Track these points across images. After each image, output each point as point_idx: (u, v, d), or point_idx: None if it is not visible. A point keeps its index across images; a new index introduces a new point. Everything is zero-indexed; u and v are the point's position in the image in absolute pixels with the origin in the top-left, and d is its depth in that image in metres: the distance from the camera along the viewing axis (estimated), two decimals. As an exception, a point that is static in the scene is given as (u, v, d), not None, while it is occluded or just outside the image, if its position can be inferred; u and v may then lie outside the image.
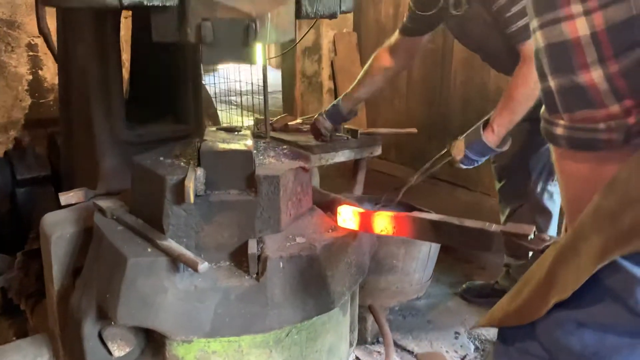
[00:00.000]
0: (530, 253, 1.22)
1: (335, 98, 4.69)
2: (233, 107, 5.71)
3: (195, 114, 1.91)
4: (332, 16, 1.46)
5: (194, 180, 1.22)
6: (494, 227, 1.25)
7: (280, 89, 5.18)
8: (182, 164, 1.33)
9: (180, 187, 1.22)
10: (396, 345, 2.13)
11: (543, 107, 0.88)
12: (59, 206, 2.51)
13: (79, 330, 1.29)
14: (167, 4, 1.18)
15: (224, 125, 1.52)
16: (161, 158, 1.37)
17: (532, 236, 1.20)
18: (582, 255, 0.72)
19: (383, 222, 1.39)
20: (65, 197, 1.63)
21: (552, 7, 0.77)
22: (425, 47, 2.55)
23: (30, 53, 3.27)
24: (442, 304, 2.42)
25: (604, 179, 0.83)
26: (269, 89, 3.50)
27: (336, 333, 1.45)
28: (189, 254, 1.15)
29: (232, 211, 1.27)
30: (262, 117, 3.09)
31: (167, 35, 1.24)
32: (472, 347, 2.14)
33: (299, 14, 1.39)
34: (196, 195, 1.23)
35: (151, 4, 1.17)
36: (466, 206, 3.66)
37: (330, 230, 1.41)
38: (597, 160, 0.84)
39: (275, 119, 2.97)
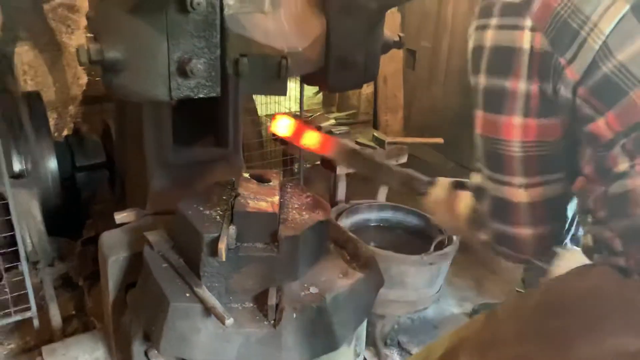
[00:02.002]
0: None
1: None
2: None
3: (235, 138, 2.11)
4: (357, 87, 1.62)
5: (227, 239, 1.45)
6: (393, 166, 1.47)
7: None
8: (217, 217, 1.55)
9: (215, 242, 1.46)
10: (401, 348, 2.39)
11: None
12: (112, 189, 2.80)
13: (129, 347, 1.58)
14: (211, 95, 1.37)
15: (256, 172, 1.73)
16: (200, 208, 1.60)
17: (427, 179, 1.37)
18: None
19: (311, 138, 1.54)
20: (120, 217, 1.89)
21: (500, 170, 0.97)
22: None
23: (88, 35, 3.48)
24: (450, 309, 2.65)
25: None
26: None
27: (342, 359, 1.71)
28: (219, 307, 1.40)
29: (257, 264, 1.50)
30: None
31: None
32: (470, 356, 2.38)
33: (326, 89, 1.56)
34: (228, 249, 1.47)
35: (197, 96, 1.36)
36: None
37: (341, 275, 1.63)
38: None
39: (310, 116, 3.15)
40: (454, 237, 2.42)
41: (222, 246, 1.41)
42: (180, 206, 1.61)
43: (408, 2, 3.21)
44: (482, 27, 0.94)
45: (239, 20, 1.30)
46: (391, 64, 4.66)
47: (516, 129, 0.91)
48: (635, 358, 0.77)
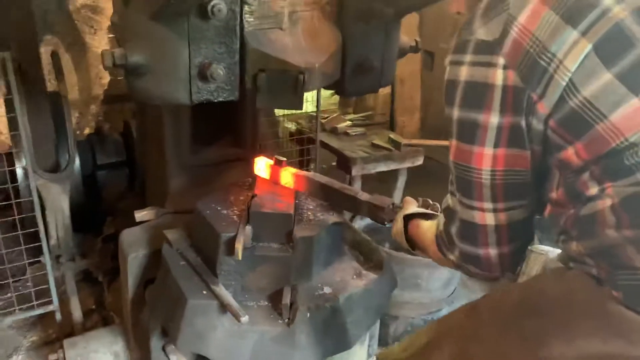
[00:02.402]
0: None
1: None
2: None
3: (252, 138, 2.15)
4: (373, 91, 1.65)
5: (243, 239, 1.48)
6: (363, 197, 1.57)
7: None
8: (234, 217, 1.59)
9: (231, 242, 1.49)
10: (414, 349, 2.40)
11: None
12: (131, 186, 2.85)
13: (148, 342, 1.63)
14: (230, 99, 1.41)
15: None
16: (218, 207, 1.64)
17: (390, 207, 1.51)
18: None
19: (287, 177, 1.71)
20: (139, 215, 1.94)
21: (470, 196, 1.01)
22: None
23: (110, 35, 3.55)
24: (463, 311, 2.66)
25: None
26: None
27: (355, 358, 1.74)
28: (235, 305, 1.44)
29: (272, 264, 1.53)
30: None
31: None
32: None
33: (343, 93, 1.59)
34: (244, 248, 1.51)
35: (217, 100, 1.40)
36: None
37: (355, 276, 1.66)
38: None
39: (327, 117, 3.17)
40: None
41: (238, 245, 1.45)
42: (199, 206, 1.65)
43: (425, 7, 3.22)
44: (457, 63, 0.99)
45: (258, 36, 1.35)
46: (408, 65, 4.67)
47: (487, 159, 0.97)
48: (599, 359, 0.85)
